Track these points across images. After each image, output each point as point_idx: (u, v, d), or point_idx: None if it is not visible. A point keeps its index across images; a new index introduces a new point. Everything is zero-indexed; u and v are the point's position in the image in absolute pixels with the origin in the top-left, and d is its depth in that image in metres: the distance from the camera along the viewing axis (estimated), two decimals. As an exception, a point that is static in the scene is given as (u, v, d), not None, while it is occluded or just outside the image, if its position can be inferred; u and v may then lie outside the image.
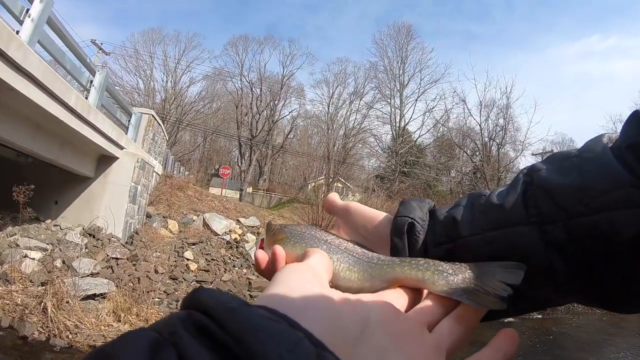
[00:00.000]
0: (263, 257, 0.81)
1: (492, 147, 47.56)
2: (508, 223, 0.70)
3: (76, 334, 8.83)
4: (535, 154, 46.19)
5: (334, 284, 0.74)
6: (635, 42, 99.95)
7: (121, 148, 13.59)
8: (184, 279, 14.13)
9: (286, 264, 0.75)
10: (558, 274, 0.67)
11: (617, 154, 0.66)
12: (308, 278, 0.58)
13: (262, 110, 55.83)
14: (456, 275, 0.70)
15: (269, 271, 0.81)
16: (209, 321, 0.39)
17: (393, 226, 0.81)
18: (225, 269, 16.38)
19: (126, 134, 14.91)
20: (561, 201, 0.66)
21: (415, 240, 0.79)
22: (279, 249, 0.78)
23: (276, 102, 57.14)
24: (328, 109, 58.65)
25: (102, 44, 39.69)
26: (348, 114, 58.64)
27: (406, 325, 0.58)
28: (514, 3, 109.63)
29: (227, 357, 0.37)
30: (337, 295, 0.56)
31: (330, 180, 45.85)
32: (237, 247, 18.40)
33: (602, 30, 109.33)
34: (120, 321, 9.60)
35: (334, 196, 0.97)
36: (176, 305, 12.04)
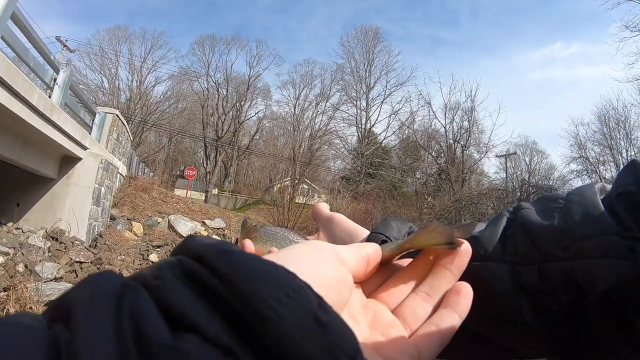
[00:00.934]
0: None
1: (457, 149, 48.34)
2: (479, 257, 0.67)
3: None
4: (499, 156, 47.05)
5: None
6: (598, 50, 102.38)
7: (85, 148, 13.24)
8: None
9: None
10: (525, 321, 0.62)
11: (606, 202, 0.62)
12: (325, 256, 0.51)
13: (228, 111, 55.46)
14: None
15: None
16: (200, 267, 0.38)
17: (366, 240, 0.81)
18: (192, 272, 16.03)
19: (90, 134, 14.55)
20: (540, 242, 0.63)
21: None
22: (248, 243, 0.84)
23: (242, 102, 56.80)
24: (294, 110, 58.80)
25: (66, 40, 39.24)
26: (314, 115, 58.77)
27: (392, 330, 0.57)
28: (480, 11, 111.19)
29: (218, 304, 0.36)
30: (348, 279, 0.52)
31: (296, 181, 45.82)
32: (203, 249, 18.12)
33: (566, 38, 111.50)
34: (85, 327, 9.36)
35: (323, 206, 1.00)
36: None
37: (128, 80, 56.90)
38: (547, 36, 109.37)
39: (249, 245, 0.83)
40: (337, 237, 0.91)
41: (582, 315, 0.59)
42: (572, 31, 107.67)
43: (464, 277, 0.65)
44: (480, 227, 0.72)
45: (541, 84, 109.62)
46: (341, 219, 0.94)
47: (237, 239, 0.93)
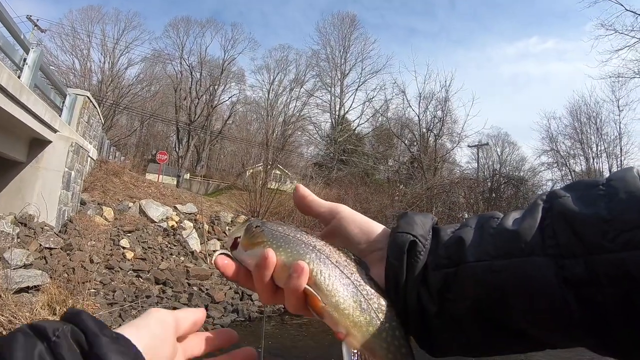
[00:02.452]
0: (228, 265, 0.82)
1: (430, 138, 48.62)
2: (521, 252, 0.64)
3: (10, 329, 8.28)
4: (472, 146, 47.50)
5: (322, 301, 0.73)
6: (572, 46, 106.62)
7: (55, 131, 12.97)
8: (120, 268, 13.72)
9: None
10: (571, 314, 0.60)
11: None
12: (167, 334, 0.67)
13: (202, 95, 54.95)
14: None
15: (245, 279, 0.83)
16: (83, 338, 0.54)
17: (392, 243, 0.77)
18: (163, 257, 16.05)
19: (60, 116, 14.27)
20: (583, 233, 0.59)
21: (415, 261, 0.74)
22: (271, 254, 0.76)
23: (216, 86, 56.31)
24: (268, 95, 58.55)
25: (38, 20, 38.27)
26: (288, 101, 58.62)
27: None
28: (457, 2, 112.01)
29: None
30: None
31: (269, 167, 45.59)
32: (174, 234, 18.06)
33: (542, 33, 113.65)
34: (55, 314, 9.15)
35: (311, 196, 0.91)
36: (113, 296, 11.71)
37: (100, 61, 55.89)
38: (523, 31, 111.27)
39: (271, 259, 0.76)
40: (351, 235, 0.84)
41: (633, 310, 0.56)
42: (548, 27, 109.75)
43: (505, 274, 0.64)
44: (515, 216, 0.70)
45: (515, 77, 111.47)
46: (350, 213, 0.86)
47: (236, 239, 0.85)
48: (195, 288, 14.01)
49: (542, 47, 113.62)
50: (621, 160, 49.75)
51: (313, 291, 0.73)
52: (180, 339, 0.73)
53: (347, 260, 0.77)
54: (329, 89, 58.19)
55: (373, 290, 0.74)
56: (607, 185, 0.62)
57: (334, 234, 0.86)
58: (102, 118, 23.76)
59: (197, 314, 0.76)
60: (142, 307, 11.34)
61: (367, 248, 0.82)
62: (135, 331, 0.63)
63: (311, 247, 0.78)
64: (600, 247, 0.57)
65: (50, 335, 0.52)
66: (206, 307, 12.78)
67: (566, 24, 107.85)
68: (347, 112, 57.77)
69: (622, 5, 27.95)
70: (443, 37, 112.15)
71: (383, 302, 0.73)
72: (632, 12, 27.62)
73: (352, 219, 0.85)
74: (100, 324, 0.58)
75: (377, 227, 0.84)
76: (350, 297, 0.73)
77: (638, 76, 29.32)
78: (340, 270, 0.75)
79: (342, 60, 58.71)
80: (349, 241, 0.84)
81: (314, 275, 0.74)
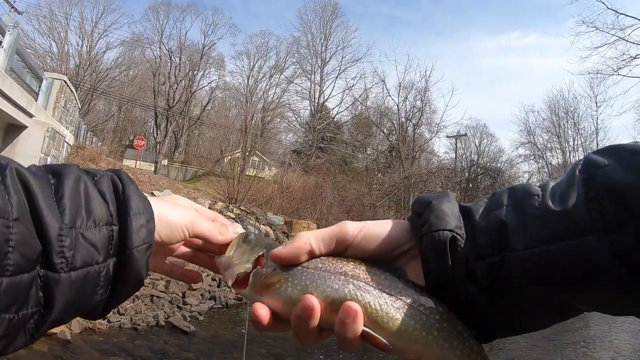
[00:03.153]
0: (264, 316, 0.74)
1: (409, 127, 48.88)
2: (573, 234, 0.61)
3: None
4: (450, 136, 47.96)
5: (395, 344, 0.69)
6: (553, 42, 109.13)
7: (30, 116, 12.86)
8: None
9: (296, 314, 0.71)
10: (625, 288, 0.59)
11: None
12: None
13: (181, 80, 54.21)
14: None
15: (276, 326, 0.76)
16: (119, 183, 0.72)
17: (429, 246, 0.71)
18: (139, 246, 15.89)
19: (36, 101, 14.14)
20: (632, 204, 0.57)
21: (458, 257, 0.70)
22: (314, 303, 0.70)
23: (195, 72, 55.64)
24: (248, 81, 58.08)
25: (14, 1, 37.64)
26: (268, 87, 58.20)
27: None
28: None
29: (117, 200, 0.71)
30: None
31: (247, 153, 45.50)
32: (151, 221, 17.93)
33: (524, 27, 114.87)
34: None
35: (307, 247, 0.76)
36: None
37: (78, 45, 54.72)
38: (505, 25, 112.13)
39: (317, 307, 0.70)
40: (374, 254, 0.77)
41: None
42: (530, 22, 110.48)
43: (561, 260, 0.62)
44: (553, 190, 0.68)
45: (495, 70, 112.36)
46: (360, 233, 0.78)
47: (261, 257, 0.79)
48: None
49: (524, 42, 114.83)
50: (598, 155, 51.06)
51: (371, 332, 0.68)
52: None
53: (385, 277, 0.73)
54: (309, 76, 58.02)
55: (429, 301, 0.71)
56: None
57: (351, 248, 0.79)
58: (79, 103, 23.54)
59: (212, 232, 0.88)
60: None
61: (392, 253, 0.78)
62: (161, 203, 0.81)
63: (342, 277, 0.72)
64: None
65: (97, 174, 0.72)
66: (183, 294, 12.88)
67: (548, 19, 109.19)
68: (327, 99, 57.65)
69: (603, 4, 28.36)
70: (425, 28, 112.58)
71: (441, 309, 0.70)
72: (613, 10, 28.03)
73: (366, 236, 0.78)
74: (132, 181, 0.75)
75: (391, 228, 0.79)
76: (411, 320, 0.69)
77: (616, 73, 29.75)
78: (387, 293, 0.71)
79: (323, 48, 58.48)
80: (373, 258, 0.77)
81: (365, 312, 0.69)
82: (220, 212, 21.12)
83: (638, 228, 0.57)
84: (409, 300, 0.70)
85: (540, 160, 55.26)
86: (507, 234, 0.67)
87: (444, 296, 0.71)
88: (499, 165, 46.79)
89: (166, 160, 52.88)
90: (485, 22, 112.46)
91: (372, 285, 0.71)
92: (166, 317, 11.43)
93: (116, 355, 8.97)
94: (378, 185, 40.35)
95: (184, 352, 9.67)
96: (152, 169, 44.09)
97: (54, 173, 0.67)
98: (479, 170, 34.52)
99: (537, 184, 0.72)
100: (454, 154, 47.72)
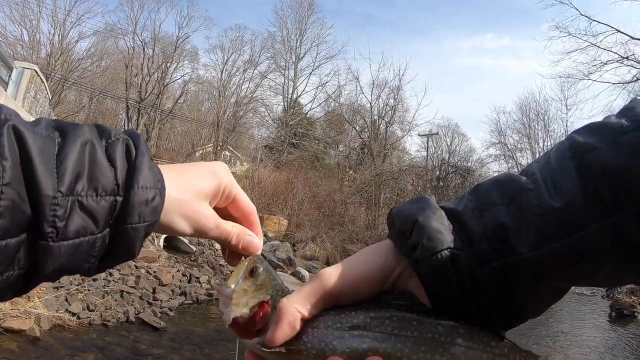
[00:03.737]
0: None
1: (381, 125, 49.04)
2: (576, 228, 0.60)
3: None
4: (422, 135, 48.32)
5: None
6: (526, 45, 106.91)
7: None
8: None
9: None
10: (625, 266, 0.60)
11: None
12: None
13: (153, 72, 53.53)
14: None
15: None
16: (133, 150, 0.68)
17: (429, 269, 0.68)
18: (109, 240, 15.77)
19: (5, 90, 13.96)
20: (632, 188, 0.57)
21: (459, 271, 0.67)
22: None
23: (168, 64, 55.00)
24: (221, 75, 57.57)
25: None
26: (241, 82, 57.59)
27: None
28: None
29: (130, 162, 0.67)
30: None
31: (219, 148, 45.35)
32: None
33: (498, 30, 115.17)
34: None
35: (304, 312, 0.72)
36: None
37: (50, 33, 53.11)
38: (480, 26, 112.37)
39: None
40: (372, 293, 0.73)
41: None
42: (505, 25, 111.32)
43: (568, 257, 0.61)
44: (547, 182, 0.66)
45: (469, 71, 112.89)
46: (345, 279, 0.72)
47: (265, 304, 0.76)
48: (142, 270, 13.86)
49: (498, 44, 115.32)
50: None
51: None
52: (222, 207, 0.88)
53: (397, 317, 0.69)
54: (283, 71, 57.79)
55: (446, 328, 0.67)
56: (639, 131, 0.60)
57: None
58: (49, 93, 23.27)
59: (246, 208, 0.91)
60: (88, 290, 11.28)
61: (386, 285, 0.74)
62: (176, 176, 0.77)
63: (356, 331, 0.69)
64: None
65: (112, 136, 0.67)
66: (154, 290, 12.88)
67: (522, 23, 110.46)
68: (300, 95, 57.55)
69: (577, 10, 28.73)
70: (401, 27, 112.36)
71: (462, 330, 0.67)
72: (586, 17, 28.45)
73: (354, 282, 0.72)
74: (148, 150, 0.71)
75: (374, 261, 0.74)
76: (435, 354, 0.66)
77: (587, 78, 30.27)
78: (404, 335, 0.67)
79: (298, 44, 58.28)
80: (373, 296, 0.74)
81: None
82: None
83: (636, 208, 0.57)
84: (429, 335, 0.66)
85: (510, 161, 55.93)
86: (507, 237, 0.65)
87: (454, 311, 0.68)
88: (469, 164, 47.24)
89: (137, 154, 51.94)
90: (460, 23, 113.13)
91: (387, 332, 0.67)
92: (136, 313, 11.40)
93: (86, 352, 8.92)
94: (349, 182, 40.63)
95: (154, 348, 9.68)
96: (123, 162, 43.38)
97: (62, 132, 0.62)
98: (449, 168, 34.98)
99: (522, 173, 0.71)
100: (426, 153, 47.90)
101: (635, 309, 18.83)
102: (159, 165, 0.74)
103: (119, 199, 0.64)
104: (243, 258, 0.86)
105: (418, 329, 0.67)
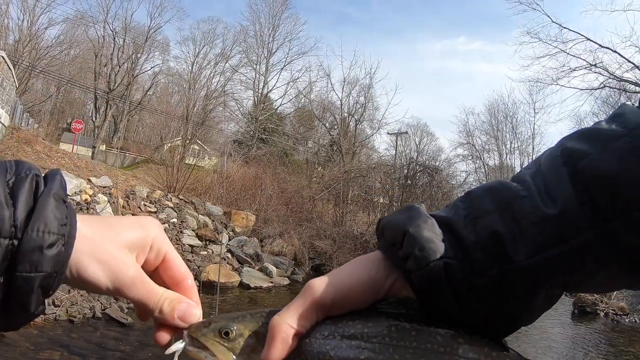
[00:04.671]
0: None
1: (351, 123, 49.16)
2: (572, 235, 0.60)
3: None
4: (391, 133, 48.66)
5: None
6: (497, 49, 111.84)
7: (-35, 97, 12.54)
8: None
9: None
10: (622, 269, 0.61)
11: None
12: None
13: (123, 63, 52.69)
14: None
15: None
16: (41, 187, 0.62)
17: (423, 281, 0.66)
18: (75, 234, 15.58)
19: (-30, 79, 13.76)
20: (626, 193, 0.57)
21: (454, 281, 0.66)
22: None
23: (139, 55, 54.22)
24: (192, 68, 57.13)
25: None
26: (212, 75, 57.29)
27: None
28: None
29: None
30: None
31: (188, 141, 45.06)
32: (87, 208, 17.54)
33: (470, 33, 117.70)
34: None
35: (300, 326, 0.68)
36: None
37: (19, 19, 52.06)
38: (452, 29, 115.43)
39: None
40: (366, 302, 0.71)
41: None
42: (476, 29, 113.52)
43: (566, 263, 0.61)
44: (540, 188, 0.65)
45: (439, 72, 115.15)
46: (335, 288, 0.70)
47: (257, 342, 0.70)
48: (108, 266, 13.74)
49: (469, 47, 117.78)
50: (532, 158, 53.83)
51: None
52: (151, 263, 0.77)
53: (396, 327, 0.67)
54: (254, 66, 57.54)
55: (447, 339, 0.66)
56: (631, 137, 0.60)
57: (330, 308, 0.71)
58: (16, 81, 22.88)
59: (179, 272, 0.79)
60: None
61: (378, 296, 0.72)
62: (96, 220, 0.71)
63: (354, 341, 0.67)
64: None
65: (22, 172, 0.62)
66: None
67: (494, 28, 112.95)
68: (271, 90, 57.46)
69: (549, 17, 29.20)
70: (374, 27, 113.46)
71: (461, 340, 0.66)
72: (557, 24, 28.91)
73: (343, 291, 0.70)
74: (62, 188, 0.65)
75: (363, 273, 0.72)
76: None
77: (555, 83, 30.81)
78: (403, 345, 0.65)
79: (270, 39, 58.06)
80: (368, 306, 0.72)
81: None
82: (159, 200, 20.97)
83: (632, 214, 0.57)
84: (427, 345, 0.65)
85: (478, 161, 57.14)
86: (502, 245, 0.64)
87: (449, 321, 0.67)
88: (437, 163, 47.42)
89: (104, 146, 51.48)
90: (433, 26, 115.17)
91: (385, 343, 0.65)
92: (103, 308, 11.34)
93: (52, 349, 8.85)
94: (318, 178, 40.58)
95: (121, 344, 9.64)
96: (90, 154, 42.86)
97: None
98: (417, 167, 35.02)
99: (513, 180, 0.71)
100: (394, 151, 48.21)
101: (597, 307, 19.17)
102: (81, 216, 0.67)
103: (16, 242, 0.57)
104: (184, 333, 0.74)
105: (417, 339, 0.65)
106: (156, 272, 0.77)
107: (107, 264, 0.67)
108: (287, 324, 0.67)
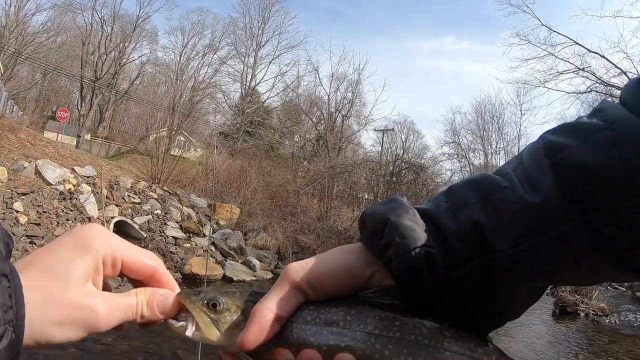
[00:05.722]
0: None
1: (337, 118, 49.05)
2: (552, 225, 0.61)
3: None
4: (377, 130, 48.76)
5: None
6: (486, 50, 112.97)
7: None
8: (13, 233, 13.08)
9: None
10: (604, 260, 0.60)
11: None
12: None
13: (110, 51, 51.95)
14: None
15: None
16: None
17: (403, 269, 0.66)
18: (58, 223, 15.58)
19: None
20: (606, 185, 0.58)
21: (435, 271, 0.66)
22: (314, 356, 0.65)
23: (126, 44, 53.56)
24: (180, 58, 56.78)
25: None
26: (199, 66, 56.98)
27: None
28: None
29: None
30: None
31: (173, 132, 44.86)
32: (71, 198, 17.53)
33: (459, 33, 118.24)
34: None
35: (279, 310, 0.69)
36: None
37: (6, 4, 51.21)
38: (441, 29, 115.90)
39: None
40: (345, 290, 0.72)
41: None
42: (465, 29, 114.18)
43: (547, 253, 0.61)
44: (521, 179, 0.66)
45: (427, 71, 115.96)
46: (314, 266, 0.71)
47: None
48: (91, 256, 13.70)
49: (458, 47, 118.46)
50: (519, 159, 55.44)
51: None
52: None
53: (380, 316, 0.67)
54: (243, 58, 57.32)
55: (430, 330, 0.66)
56: (612, 130, 0.60)
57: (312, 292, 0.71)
58: (1, 67, 22.69)
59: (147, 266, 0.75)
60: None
61: (357, 286, 0.72)
62: (36, 273, 0.63)
63: (334, 327, 0.67)
64: (625, 196, 0.57)
65: None
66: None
67: (483, 28, 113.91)
68: (258, 84, 57.29)
69: (538, 20, 29.29)
70: (364, 24, 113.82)
71: (448, 333, 0.66)
72: (547, 27, 28.97)
73: (320, 276, 0.70)
74: (4, 260, 0.58)
75: (343, 261, 0.72)
76: (419, 357, 0.64)
77: (543, 86, 30.95)
78: (386, 335, 0.65)
79: (260, 32, 57.82)
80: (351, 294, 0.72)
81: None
82: (143, 191, 20.88)
83: (612, 205, 0.57)
84: (412, 337, 0.64)
85: (463, 160, 57.50)
86: (484, 235, 0.65)
87: (430, 312, 0.67)
88: (423, 161, 47.72)
89: (89, 135, 50.89)
90: (422, 25, 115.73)
91: (367, 332, 0.65)
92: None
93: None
94: (303, 172, 40.67)
95: (103, 337, 9.47)
96: (74, 143, 42.44)
97: None
98: (403, 164, 35.14)
99: (496, 173, 0.72)
100: (380, 148, 48.39)
101: (577, 307, 19.30)
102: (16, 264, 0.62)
103: None
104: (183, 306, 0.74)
105: (401, 330, 0.65)
106: (123, 276, 0.75)
107: (72, 322, 0.63)
108: (267, 308, 0.67)
